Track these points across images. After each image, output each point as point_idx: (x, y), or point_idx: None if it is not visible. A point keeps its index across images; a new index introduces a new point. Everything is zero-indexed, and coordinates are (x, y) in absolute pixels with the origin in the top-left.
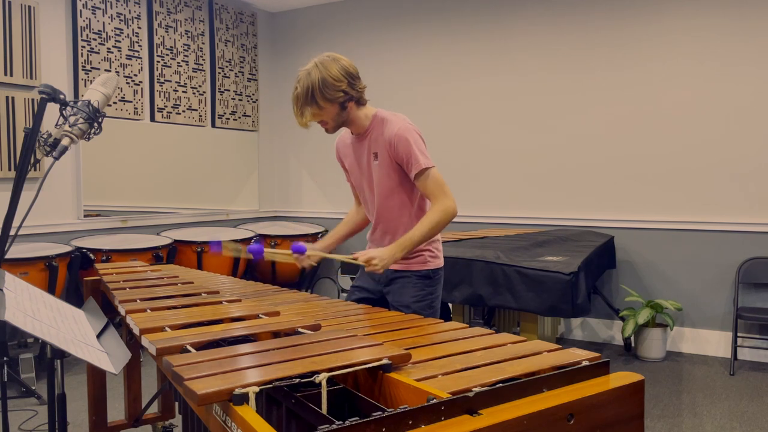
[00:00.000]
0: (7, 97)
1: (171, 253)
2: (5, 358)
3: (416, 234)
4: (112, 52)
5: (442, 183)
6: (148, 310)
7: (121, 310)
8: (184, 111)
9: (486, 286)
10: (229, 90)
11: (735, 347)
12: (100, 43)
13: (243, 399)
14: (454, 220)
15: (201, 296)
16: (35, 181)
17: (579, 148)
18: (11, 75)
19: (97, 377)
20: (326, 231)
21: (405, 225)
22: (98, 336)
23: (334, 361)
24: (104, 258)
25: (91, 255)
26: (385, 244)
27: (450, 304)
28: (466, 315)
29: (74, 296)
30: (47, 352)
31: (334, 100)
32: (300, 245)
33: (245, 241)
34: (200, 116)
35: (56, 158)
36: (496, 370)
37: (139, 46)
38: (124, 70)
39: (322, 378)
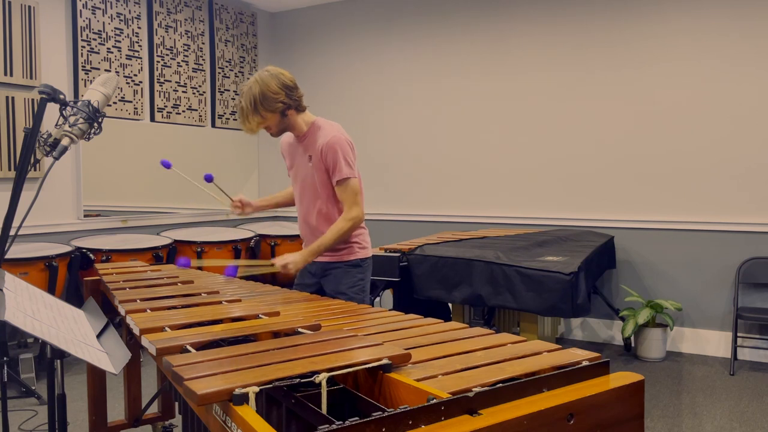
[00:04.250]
0: (7, 97)
1: (171, 253)
2: (5, 358)
3: (324, 240)
4: (112, 52)
5: (356, 193)
6: (148, 310)
7: (121, 310)
8: (184, 111)
9: (486, 286)
10: (229, 90)
11: (735, 347)
12: (100, 43)
13: (243, 399)
14: (454, 220)
15: (201, 296)
16: (35, 181)
17: (579, 149)
18: (11, 75)
19: (97, 377)
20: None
21: (324, 220)
22: (98, 336)
23: (334, 361)
24: (104, 258)
25: (91, 255)
26: (313, 235)
27: (450, 304)
28: (466, 315)
29: (74, 296)
30: (47, 352)
31: (275, 110)
32: (208, 175)
33: (245, 240)
34: (200, 116)
35: (56, 158)
36: (496, 370)
37: (139, 46)
38: (124, 70)
39: (322, 378)
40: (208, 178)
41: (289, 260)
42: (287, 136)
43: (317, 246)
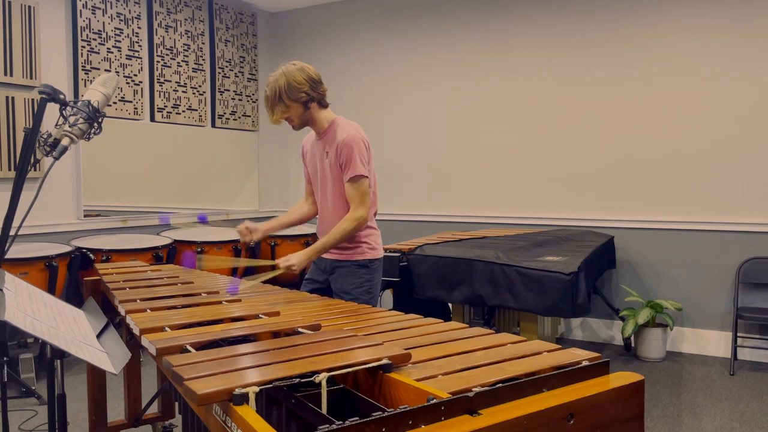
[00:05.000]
0: (7, 97)
1: (171, 253)
2: (5, 358)
3: (329, 239)
4: (112, 52)
5: (365, 194)
6: (148, 310)
7: (121, 310)
8: (184, 111)
9: (486, 286)
10: (229, 90)
11: (735, 347)
12: (100, 43)
13: (243, 399)
14: (454, 220)
15: (201, 296)
16: (35, 181)
17: (579, 149)
18: (11, 75)
19: (97, 377)
20: None
21: (344, 215)
22: (98, 336)
23: (334, 361)
24: (104, 258)
25: (91, 255)
26: (328, 231)
27: (450, 304)
28: (466, 315)
29: (74, 296)
30: (47, 352)
31: (298, 99)
32: (203, 216)
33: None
34: (200, 116)
35: (56, 158)
36: (496, 370)
37: (139, 46)
38: (124, 70)
39: (322, 378)
40: (202, 219)
41: (293, 261)
42: (308, 138)
43: (321, 244)
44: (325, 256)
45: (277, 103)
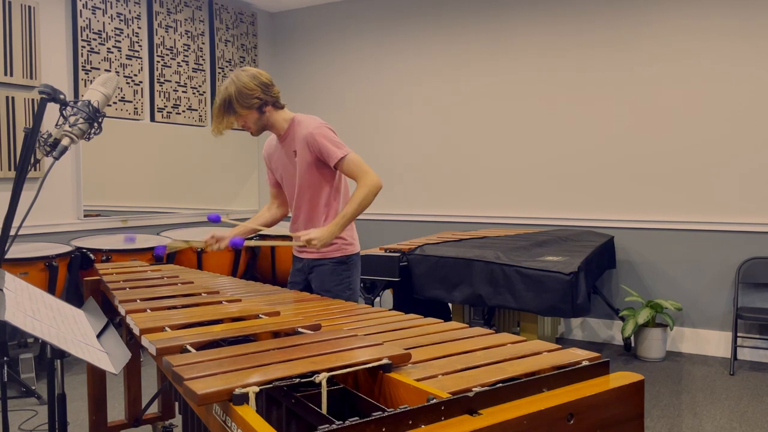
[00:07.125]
0: (7, 97)
1: (171, 253)
2: (5, 358)
3: (348, 210)
4: (112, 52)
5: (360, 163)
6: (148, 310)
7: (121, 310)
8: (184, 111)
9: (486, 286)
10: None
11: (735, 347)
12: (100, 43)
13: (243, 399)
14: (454, 220)
15: (201, 296)
16: (35, 181)
17: (579, 148)
18: (11, 75)
19: (97, 377)
20: None
21: (323, 210)
22: (98, 336)
23: (334, 361)
24: (104, 258)
25: (91, 255)
26: (306, 228)
27: (450, 304)
28: (466, 315)
29: (74, 296)
30: (47, 352)
31: (251, 106)
32: (216, 215)
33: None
34: (200, 116)
35: (56, 158)
36: (496, 370)
37: (139, 46)
38: (124, 70)
39: (322, 378)
40: (215, 219)
41: (313, 236)
42: (270, 141)
43: (341, 218)
44: (302, 256)
45: (226, 112)
